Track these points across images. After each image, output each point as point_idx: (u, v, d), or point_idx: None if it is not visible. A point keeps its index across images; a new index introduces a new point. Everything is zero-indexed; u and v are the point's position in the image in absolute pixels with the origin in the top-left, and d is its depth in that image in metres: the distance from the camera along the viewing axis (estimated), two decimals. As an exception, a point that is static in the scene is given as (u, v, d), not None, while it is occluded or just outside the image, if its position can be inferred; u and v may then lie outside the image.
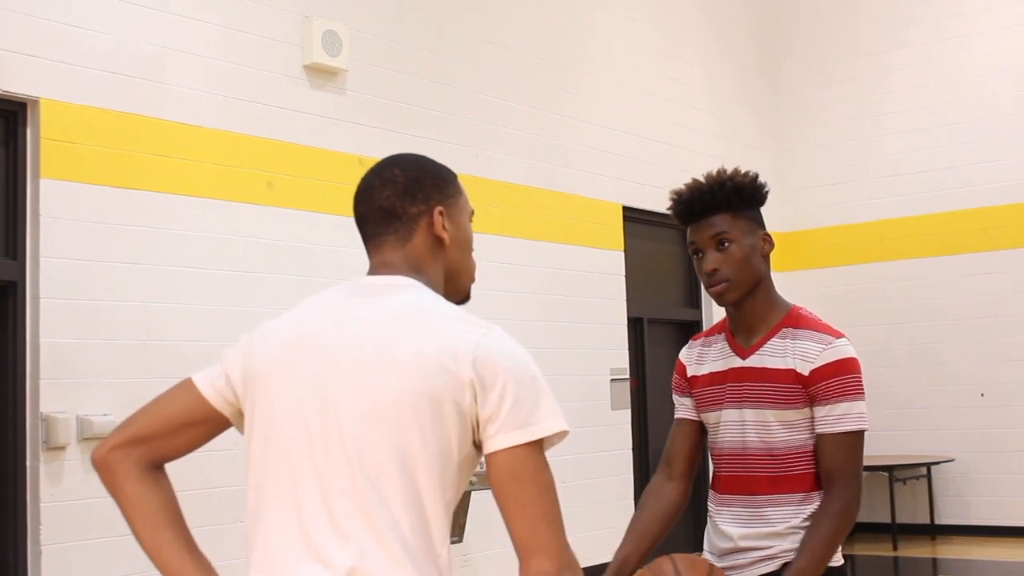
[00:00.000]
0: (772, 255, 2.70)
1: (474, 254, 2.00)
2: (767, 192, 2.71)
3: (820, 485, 2.58)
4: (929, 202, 10.02)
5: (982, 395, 9.69)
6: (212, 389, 1.85)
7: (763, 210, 2.73)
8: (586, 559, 8.66)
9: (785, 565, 2.53)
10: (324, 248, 6.31)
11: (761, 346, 2.63)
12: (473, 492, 6.19)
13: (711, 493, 2.74)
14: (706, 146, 9.60)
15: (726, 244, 2.61)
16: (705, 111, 9.92)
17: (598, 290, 8.47)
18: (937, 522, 9.81)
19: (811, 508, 2.56)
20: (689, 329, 9.37)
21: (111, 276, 5.40)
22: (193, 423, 1.85)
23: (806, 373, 2.54)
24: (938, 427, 9.88)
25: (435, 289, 1.87)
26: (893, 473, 9.50)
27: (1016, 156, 9.66)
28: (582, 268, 8.33)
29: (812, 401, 2.55)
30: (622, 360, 8.63)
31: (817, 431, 2.56)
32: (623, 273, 8.75)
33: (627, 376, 8.66)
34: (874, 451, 9.46)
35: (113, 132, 5.49)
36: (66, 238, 5.24)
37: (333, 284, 1.92)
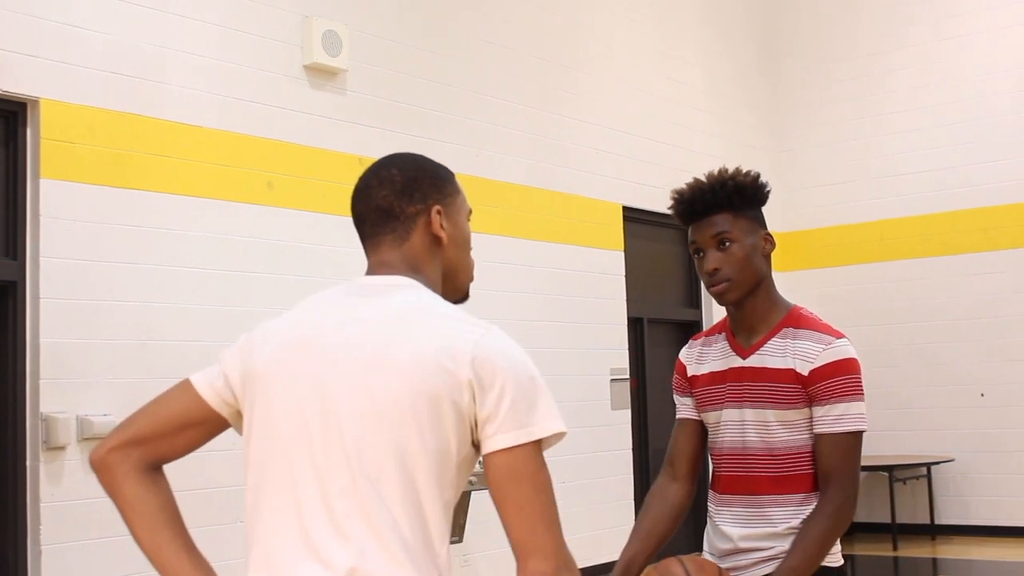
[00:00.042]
0: (772, 255, 2.69)
1: (473, 253, 2.00)
2: (769, 192, 2.71)
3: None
4: (929, 202, 10.02)
5: (982, 395, 9.69)
6: (210, 390, 1.84)
7: (763, 210, 2.72)
8: (586, 559, 8.65)
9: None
10: (324, 248, 6.31)
11: (761, 346, 2.62)
12: (473, 492, 6.19)
13: (711, 493, 2.74)
14: (706, 146, 9.60)
15: (727, 244, 2.61)
16: (705, 111, 9.92)
17: (598, 290, 8.47)
18: (937, 522, 9.81)
19: (811, 509, 2.56)
20: (689, 329, 9.37)
21: (111, 276, 5.40)
22: (191, 424, 1.85)
23: (806, 373, 2.54)
24: (938, 427, 9.88)
25: (433, 288, 1.87)
26: (893, 473, 9.50)
27: (1016, 156, 9.66)
28: (582, 268, 8.33)
29: (811, 401, 2.55)
30: (622, 360, 8.63)
31: (815, 431, 2.55)
32: (623, 273, 8.75)
33: (627, 376, 8.66)
34: (874, 451, 9.46)
35: (113, 132, 5.49)
36: (66, 238, 5.24)
37: (333, 284, 1.92)
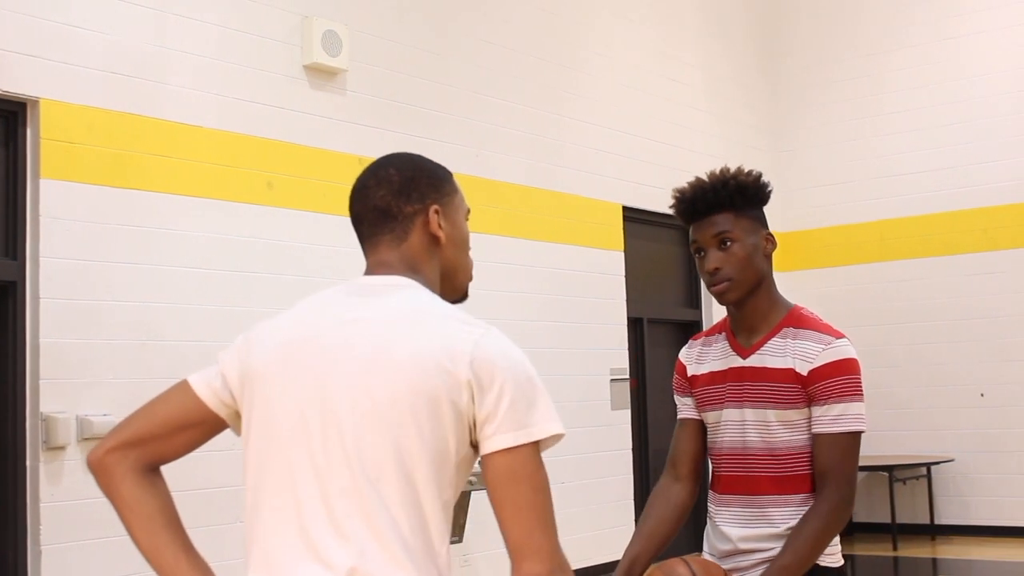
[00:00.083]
0: (772, 255, 2.69)
1: (472, 253, 1.99)
2: (770, 191, 2.70)
3: (819, 486, 2.57)
4: (929, 202, 10.02)
5: (982, 395, 9.69)
6: (208, 390, 1.84)
7: (764, 210, 2.72)
8: (586, 559, 8.64)
9: None
10: (324, 248, 6.31)
11: (762, 345, 2.62)
12: (473, 492, 6.19)
13: (711, 493, 2.73)
14: (706, 146, 9.60)
15: (728, 243, 2.60)
16: (705, 111, 9.92)
17: (598, 290, 8.47)
18: (937, 522, 9.81)
19: (811, 509, 2.55)
20: (689, 329, 9.37)
21: (111, 276, 5.40)
22: (189, 425, 1.84)
23: (805, 373, 2.53)
24: (938, 427, 9.88)
25: (432, 288, 1.87)
26: (893, 473, 9.50)
27: (1016, 156, 9.66)
28: (582, 268, 8.33)
29: (811, 401, 2.54)
30: (622, 360, 8.63)
31: (813, 430, 2.55)
32: (623, 273, 8.75)
33: (627, 376, 8.66)
34: (874, 451, 9.47)
35: (113, 132, 5.49)
36: (66, 238, 5.24)
37: (333, 284, 1.92)
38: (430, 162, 1.96)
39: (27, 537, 5.04)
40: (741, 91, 10.48)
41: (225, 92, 6.03)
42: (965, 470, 9.71)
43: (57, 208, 5.22)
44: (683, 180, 2.76)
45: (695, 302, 9.76)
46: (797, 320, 2.62)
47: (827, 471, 2.52)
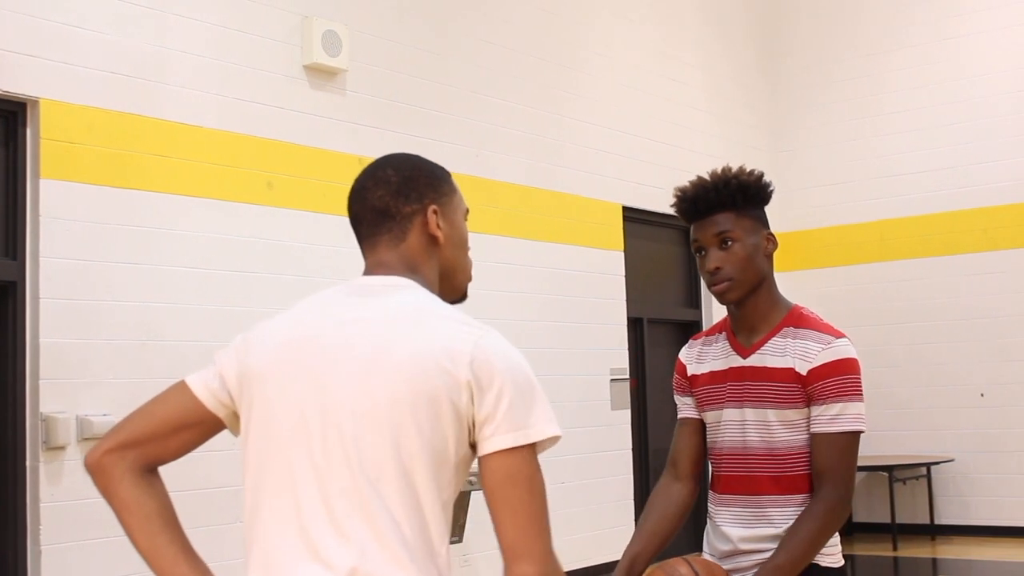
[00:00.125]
0: (773, 255, 2.69)
1: (471, 253, 1.99)
2: (772, 191, 2.69)
3: (819, 486, 2.56)
4: (929, 202, 10.02)
5: (982, 395, 9.69)
6: (206, 391, 1.84)
7: (765, 210, 2.71)
8: (586, 559, 8.62)
9: None
10: (324, 248, 6.31)
11: (762, 345, 2.61)
12: (473, 492, 6.19)
13: (711, 493, 2.73)
14: (706, 146, 9.60)
15: (729, 243, 2.60)
16: (705, 111, 9.92)
17: (598, 290, 8.47)
18: (937, 522, 9.81)
19: (811, 509, 2.54)
20: (689, 329, 9.37)
21: (111, 276, 5.40)
22: (187, 425, 1.84)
23: (804, 372, 2.53)
24: (938, 427, 9.88)
25: (431, 288, 1.87)
26: (893, 473, 9.50)
27: (1016, 156, 9.66)
28: (582, 268, 8.33)
29: (810, 400, 2.54)
30: (622, 360, 8.63)
31: (811, 430, 2.54)
32: (623, 273, 8.75)
33: (627, 376, 8.66)
34: (874, 451, 9.47)
35: (113, 132, 5.49)
36: (66, 238, 5.24)
37: (333, 284, 1.92)
38: (428, 162, 1.96)
39: (27, 537, 5.04)
40: (741, 91, 10.48)
41: (225, 92, 6.03)
42: (965, 470, 9.71)
43: (57, 208, 5.22)
44: (683, 180, 2.75)
45: (695, 302, 9.76)
46: (797, 320, 2.62)
47: (824, 471, 2.51)
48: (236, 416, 1.85)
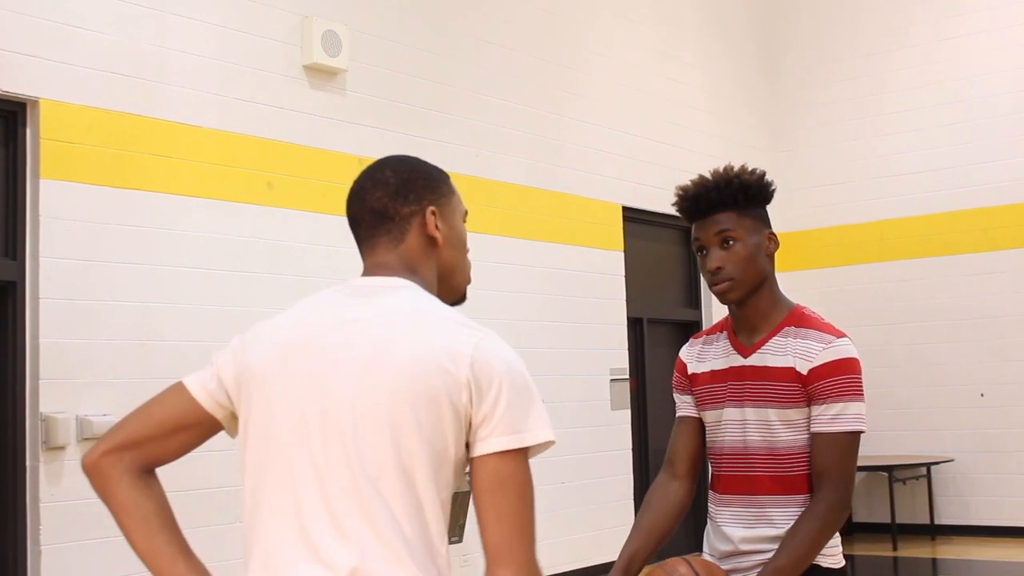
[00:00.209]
0: (775, 255, 2.68)
1: (471, 254, 1.99)
2: (774, 190, 2.68)
3: (819, 486, 2.55)
4: (929, 202, 10.02)
5: (982, 395, 9.69)
6: (204, 392, 1.84)
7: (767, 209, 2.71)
8: (586, 559, 8.62)
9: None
10: (324, 248, 6.31)
11: (763, 344, 2.61)
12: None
13: (711, 493, 2.72)
14: (706, 146, 9.60)
15: (731, 242, 2.59)
16: (705, 111, 9.92)
17: (598, 290, 8.47)
18: (937, 522, 9.81)
19: (812, 510, 2.54)
20: (689, 329, 9.37)
21: (111, 276, 5.40)
22: (185, 427, 1.84)
23: (805, 372, 2.52)
24: (938, 427, 9.88)
25: (429, 289, 1.87)
26: (893, 473, 9.50)
27: (1016, 156, 9.66)
28: (582, 268, 8.33)
29: (810, 400, 2.53)
30: (622, 360, 8.63)
31: (812, 430, 2.53)
32: (623, 273, 8.75)
33: (627, 376, 8.66)
34: (874, 451, 9.47)
35: (113, 132, 5.49)
36: (66, 238, 5.24)
37: (332, 284, 1.92)
38: (427, 164, 1.96)
39: (27, 537, 5.04)
40: (741, 91, 10.48)
41: (225, 92, 6.03)
42: (965, 470, 9.71)
43: (57, 208, 5.22)
44: (683, 180, 2.74)
45: (695, 302, 9.76)
46: (799, 319, 2.61)
47: (824, 471, 2.51)
48: (234, 417, 1.85)
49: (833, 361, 2.52)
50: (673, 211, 2.75)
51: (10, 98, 5.15)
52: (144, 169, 5.60)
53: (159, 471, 1.87)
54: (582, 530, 7.81)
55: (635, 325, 9.01)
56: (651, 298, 9.30)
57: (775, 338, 2.60)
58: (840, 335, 2.56)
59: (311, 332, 1.81)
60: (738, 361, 2.64)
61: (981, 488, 9.67)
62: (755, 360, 2.60)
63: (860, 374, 2.55)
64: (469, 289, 2.00)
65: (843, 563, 2.59)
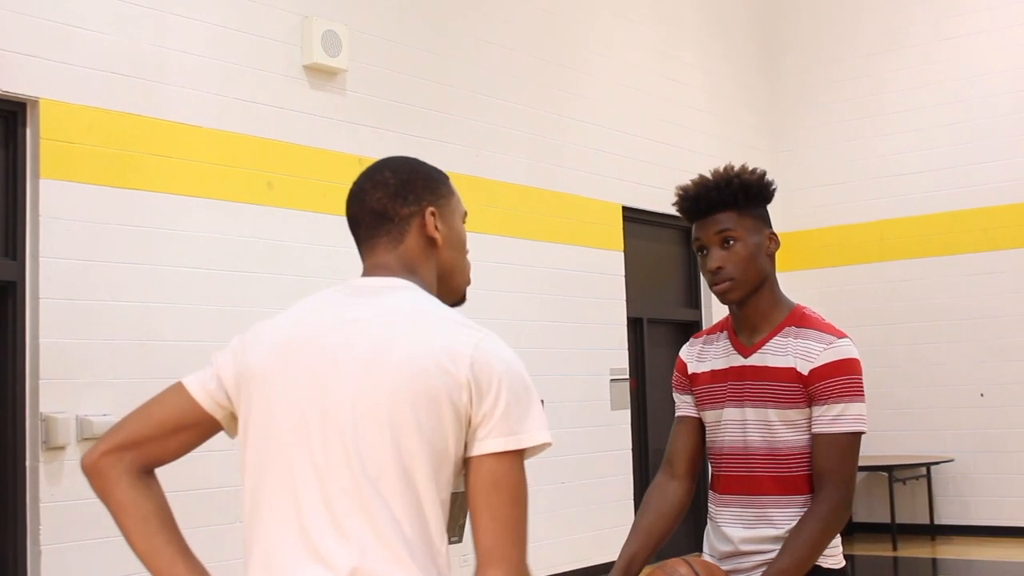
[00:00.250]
0: (775, 254, 2.68)
1: (471, 255, 1.99)
2: (774, 190, 2.67)
3: (820, 486, 2.55)
4: (929, 202, 10.02)
5: (982, 395, 9.69)
6: (203, 392, 1.84)
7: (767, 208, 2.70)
8: (586, 559, 8.63)
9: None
10: (324, 248, 6.31)
11: (763, 344, 2.60)
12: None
13: (711, 494, 2.72)
14: (706, 146, 9.60)
15: (731, 242, 2.58)
16: (705, 111, 9.92)
17: (598, 290, 8.47)
18: (937, 522, 9.81)
19: (813, 510, 2.53)
20: (689, 329, 9.37)
21: (111, 276, 5.40)
22: (184, 427, 1.84)
23: (806, 372, 2.52)
24: (938, 427, 9.88)
25: (429, 290, 1.87)
26: (893, 473, 9.50)
27: (1016, 156, 9.66)
28: (581, 268, 8.33)
29: (811, 400, 2.53)
30: (622, 360, 8.63)
31: (813, 430, 2.53)
32: (623, 273, 8.75)
33: (627, 376, 8.66)
34: (874, 451, 9.47)
35: (113, 132, 5.49)
36: (66, 238, 5.24)
37: (332, 284, 1.92)
38: (426, 165, 1.96)
39: (27, 537, 5.04)
40: (741, 91, 10.48)
41: (225, 92, 6.03)
42: (965, 470, 9.71)
43: (57, 208, 5.22)
44: (683, 180, 2.74)
45: (695, 302, 9.76)
46: (799, 319, 2.61)
47: (825, 472, 2.50)
48: (233, 417, 1.84)
49: (834, 362, 2.51)
50: (673, 211, 2.75)
51: (10, 98, 5.15)
52: (144, 169, 5.60)
53: (159, 471, 1.87)
54: (582, 530, 7.81)
55: (635, 325, 9.01)
56: (651, 298, 9.30)
57: (776, 338, 2.60)
58: (841, 335, 2.56)
59: (311, 332, 1.81)
60: (738, 361, 2.63)
61: (981, 488, 9.67)
62: (755, 360, 2.60)
63: (861, 375, 2.54)
64: (469, 289, 2.00)
65: (843, 563, 2.59)
